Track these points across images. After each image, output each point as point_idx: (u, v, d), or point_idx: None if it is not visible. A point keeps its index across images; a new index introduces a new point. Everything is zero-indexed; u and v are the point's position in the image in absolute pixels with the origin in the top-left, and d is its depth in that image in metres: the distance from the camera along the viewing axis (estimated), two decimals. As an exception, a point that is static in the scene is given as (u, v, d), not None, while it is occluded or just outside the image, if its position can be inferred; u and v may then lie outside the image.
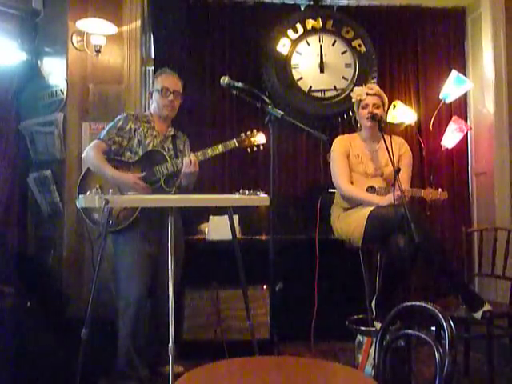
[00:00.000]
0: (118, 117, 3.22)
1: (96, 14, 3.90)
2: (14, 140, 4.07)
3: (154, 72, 4.28)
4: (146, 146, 3.14)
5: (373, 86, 3.39)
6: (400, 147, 3.38)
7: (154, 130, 3.21)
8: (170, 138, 3.26)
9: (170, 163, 3.07)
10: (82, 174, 3.16)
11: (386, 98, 3.37)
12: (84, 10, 3.98)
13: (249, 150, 3.18)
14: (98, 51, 3.95)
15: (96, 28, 3.89)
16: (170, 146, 3.25)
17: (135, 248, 3.03)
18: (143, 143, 3.14)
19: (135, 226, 3.01)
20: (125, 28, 4.13)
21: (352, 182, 3.31)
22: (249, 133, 3.17)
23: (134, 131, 3.15)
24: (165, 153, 3.13)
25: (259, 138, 3.16)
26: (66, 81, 3.96)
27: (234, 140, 3.13)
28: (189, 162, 2.99)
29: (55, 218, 3.99)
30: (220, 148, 3.10)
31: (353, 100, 3.40)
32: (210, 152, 3.09)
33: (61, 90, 3.98)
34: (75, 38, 3.99)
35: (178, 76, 3.27)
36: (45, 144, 4.01)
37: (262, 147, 3.18)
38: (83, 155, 3.15)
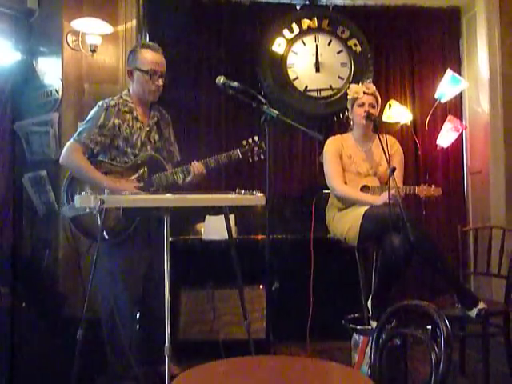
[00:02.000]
0: (96, 110, 2.85)
1: (91, 14, 3.89)
2: (9, 140, 4.06)
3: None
4: (133, 143, 2.89)
5: (370, 86, 3.39)
6: (391, 146, 3.38)
7: (138, 121, 2.92)
8: (155, 127, 3.00)
9: (170, 172, 2.89)
10: (66, 181, 2.90)
11: (380, 99, 3.39)
12: (79, 10, 3.96)
13: (250, 159, 3.04)
14: (94, 51, 3.94)
15: (91, 27, 3.88)
16: (156, 137, 3.00)
17: (131, 257, 2.87)
18: (131, 141, 2.88)
19: (130, 240, 2.82)
20: (120, 27, 4.12)
21: (346, 182, 3.31)
22: (250, 141, 3.02)
23: (119, 128, 2.84)
24: (161, 159, 2.95)
25: (261, 149, 3.02)
26: (61, 80, 3.95)
27: (238, 150, 2.98)
28: (197, 173, 2.88)
29: (51, 218, 3.98)
30: (223, 158, 2.95)
31: (348, 96, 3.40)
32: (212, 162, 2.94)
33: (56, 90, 3.97)
34: (70, 38, 3.97)
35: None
36: (40, 144, 4.00)
37: (262, 156, 3.02)
38: (61, 161, 2.84)
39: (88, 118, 2.87)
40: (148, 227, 2.90)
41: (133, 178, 2.87)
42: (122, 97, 2.96)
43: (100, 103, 2.89)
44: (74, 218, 2.85)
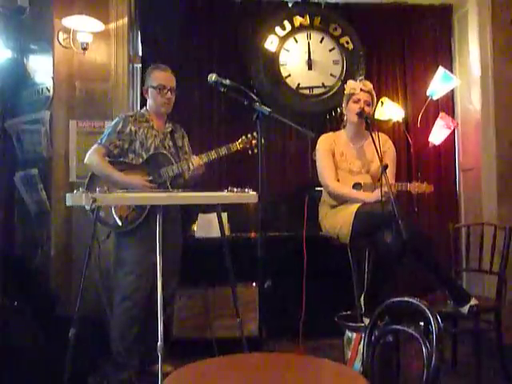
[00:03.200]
0: (117, 119, 3.23)
1: (82, 11, 3.86)
2: (0, 138, 4.04)
3: (142, 69, 4.28)
4: (148, 147, 3.18)
5: (367, 84, 3.39)
6: (384, 143, 3.38)
7: (154, 129, 3.24)
8: (169, 135, 3.30)
9: (176, 165, 3.15)
10: (87, 179, 3.17)
11: (375, 99, 3.40)
12: (70, 7, 3.94)
13: (250, 151, 3.25)
14: (85, 49, 3.92)
15: (82, 25, 3.86)
16: (170, 143, 3.28)
17: (143, 248, 3.04)
18: (146, 145, 3.18)
19: (142, 228, 3.04)
20: (112, 25, 4.09)
21: (338, 180, 3.32)
22: (249, 135, 3.24)
23: (135, 133, 3.17)
24: (169, 155, 3.19)
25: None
26: (53, 78, 3.93)
27: (237, 142, 3.23)
28: (198, 165, 3.13)
29: (42, 217, 3.96)
30: (223, 150, 3.20)
31: (345, 92, 3.39)
32: (213, 154, 3.18)
33: (47, 88, 3.95)
34: (61, 36, 3.95)
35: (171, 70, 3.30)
36: (31, 142, 3.98)
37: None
38: (86, 161, 3.17)
39: (109, 126, 3.24)
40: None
41: (144, 173, 3.13)
42: (139, 111, 3.39)
43: (120, 115, 3.30)
44: (93, 210, 2.97)
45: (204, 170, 3.23)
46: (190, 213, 3.95)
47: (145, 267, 3.03)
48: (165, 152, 3.20)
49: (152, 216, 2.95)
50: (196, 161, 3.15)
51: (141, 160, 3.17)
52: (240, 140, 3.24)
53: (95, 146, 3.17)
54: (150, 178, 3.12)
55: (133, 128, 3.18)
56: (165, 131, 3.29)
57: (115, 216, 3.00)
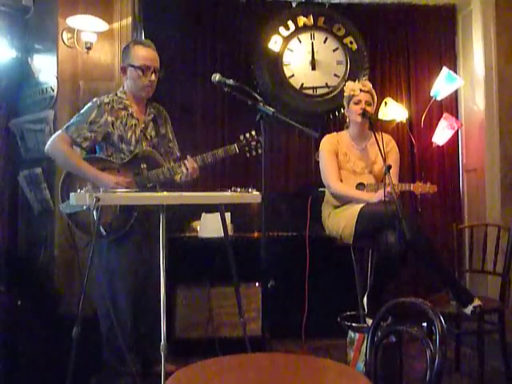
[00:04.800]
0: (89, 106, 2.87)
1: (86, 11, 3.87)
2: (4, 138, 4.04)
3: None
4: (128, 140, 2.90)
5: (366, 83, 3.39)
6: (387, 144, 3.39)
7: (133, 118, 2.93)
8: (151, 123, 3.00)
9: (166, 168, 2.87)
10: (61, 179, 2.90)
11: (375, 97, 3.39)
12: (74, 7, 3.94)
13: (248, 155, 2.99)
14: (89, 48, 3.92)
15: (86, 25, 3.86)
16: (153, 134, 3.00)
17: (130, 255, 2.89)
18: (125, 138, 2.89)
19: (128, 236, 2.85)
20: (115, 25, 4.10)
21: (341, 180, 3.31)
22: (248, 135, 2.97)
23: (112, 124, 2.85)
24: (158, 156, 2.94)
25: (259, 144, 2.95)
26: (57, 78, 3.93)
27: (235, 145, 2.93)
28: (191, 171, 2.84)
29: (46, 216, 3.96)
30: (220, 153, 2.91)
31: (345, 94, 3.40)
32: (209, 157, 2.90)
33: (51, 88, 3.95)
34: (65, 35, 3.96)
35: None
36: (35, 142, 3.99)
37: (260, 151, 2.93)
38: (46, 149, 2.82)
39: (80, 113, 2.88)
40: (146, 224, 2.91)
41: (130, 175, 2.85)
42: (116, 94, 2.98)
43: (94, 100, 2.90)
44: (71, 215, 2.85)
45: (198, 174, 2.93)
46: (189, 211, 3.94)
47: (131, 273, 2.88)
48: (154, 154, 2.92)
49: (137, 221, 2.81)
50: (190, 164, 2.86)
51: (122, 156, 2.87)
52: (236, 143, 2.94)
53: (59, 132, 2.81)
54: (137, 178, 2.84)
55: (109, 118, 2.83)
56: (146, 119, 2.98)
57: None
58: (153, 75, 2.88)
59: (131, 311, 2.93)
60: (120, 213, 2.76)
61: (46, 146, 2.83)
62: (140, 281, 2.93)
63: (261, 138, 2.86)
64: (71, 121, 2.86)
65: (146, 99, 3.02)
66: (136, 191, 2.65)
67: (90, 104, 2.88)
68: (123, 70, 2.93)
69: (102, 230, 2.68)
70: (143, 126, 2.97)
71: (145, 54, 2.87)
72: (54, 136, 2.84)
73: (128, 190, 2.67)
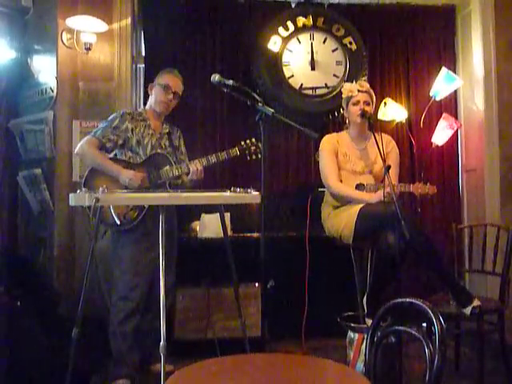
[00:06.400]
0: (114, 115, 3.25)
1: (86, 12, 3.88)
2: (4, 138, 4.05)
3: (145, 70, 4.29)
4: (145, 145, 3.20)
5: (364, 84, 3.40)
6: (387, 144, 3.39)
7: (150, 129, 3.26)
8: (166, 136, 3.33)
9: (176, 166, 3.16)
10: (84, 177, 3.14)
11: (374, 97, 3.39)
12: (74, 8, 3.95)
13: (248, 157, 3.29)
14: (88, 49, 3.93)
15: (86, 25, 3.87)
16: (167, 143, 3.31)
17: (140, 246, 3.08)
18: (142, 143, 3.20)
19: (141, 227, 3.06)
20: (115, 25, 4.10)
21: (341, 180, 3.32)
22: (248, 142, 3.27)
23: (132, 131, 3.20)
24: (168, 156, 3.20)
25: (258, 149, 3.29)
26: (56, 79, 3.93)
27: (236, 148, 3.24)
28: (195, 170, 3.12)
29: (46, 216, 3.97)
30: (223, 155, 3.20)
31: (343, 95, 3.40)
32: (213, 159, 3.18)
33: (51, 88, 3.96)
34: (65, 36, 3.96)
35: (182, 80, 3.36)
36: (35, 142, 3.99)
37: (259, 156, 3.23)
38: (77, 150, 3.17)
39: (105, 120, 3.23)
40: (157, 216, 2.97)
41: (143, 172, 3.12)
42: (137, 109, 3.48)
43: (117, 111, 3.33)
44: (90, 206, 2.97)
45: (203, 176, 3.19)
46: (189, 211, 3.94)
47: (142, 265, 3.06)
48: (164, 153, 3.22)
49: (149, 214, 3.02)
50: (196, 164, 3.15)
51: (138, 159, 3.18)
52: (237, 147, 3.25)
53: (88, 137, 3.17)
54: (152, 175, 3.12)
55: (129, 125, 3.20)
56: (162, 131, 3.33)
57: (114, 215, 3.00)
58: (171, 95, 3.26)
59: (142, 298, 3.08)
60: (134, 205, 3.04)
61: (76, 149, 3.19)
62: (151, 271, 3.07)
63: (260, 143, 3.22)
64: (98, 127, 3.22)
65: (163, 117, 3.36)
66: (146, 188, 3.05)
67: (114, 114, 3.26)
68: (151, 88, 3.33)
69: (116, 219, 2.99)
70: (159, 136, 3.30)
71: (171, 77, 3.31)
72: (82, 140, 3.17)
73: (139, 186, 3.02)
